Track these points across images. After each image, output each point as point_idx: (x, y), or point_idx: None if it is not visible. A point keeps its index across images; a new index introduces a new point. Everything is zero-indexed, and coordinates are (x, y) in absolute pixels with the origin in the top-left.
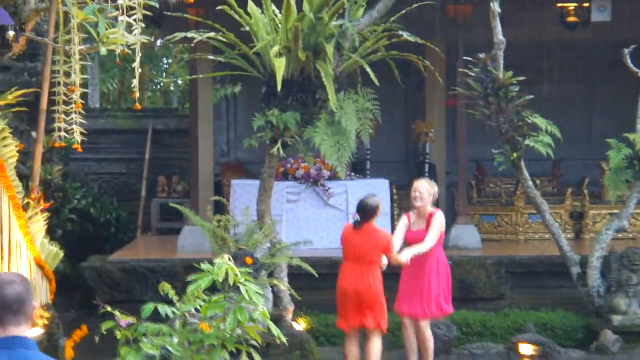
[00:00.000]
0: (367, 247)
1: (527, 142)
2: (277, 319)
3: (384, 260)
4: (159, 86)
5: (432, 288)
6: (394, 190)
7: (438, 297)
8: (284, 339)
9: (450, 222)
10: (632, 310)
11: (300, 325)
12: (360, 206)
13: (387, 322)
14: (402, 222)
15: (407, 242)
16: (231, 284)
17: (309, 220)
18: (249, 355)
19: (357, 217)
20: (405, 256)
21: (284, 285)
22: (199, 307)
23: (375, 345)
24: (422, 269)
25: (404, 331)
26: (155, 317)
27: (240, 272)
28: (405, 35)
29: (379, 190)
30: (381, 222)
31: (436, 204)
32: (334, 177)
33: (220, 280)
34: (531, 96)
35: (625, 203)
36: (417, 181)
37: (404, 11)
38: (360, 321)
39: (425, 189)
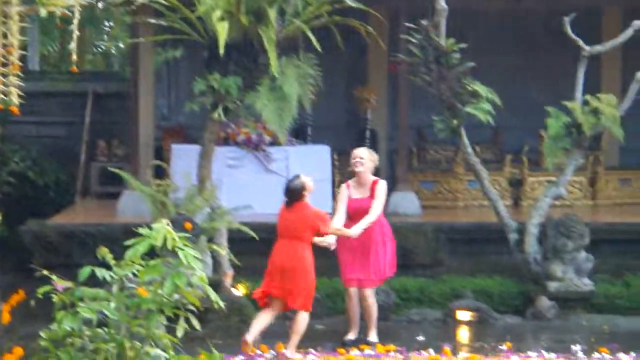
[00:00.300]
0: (297, 225)
1: (467, 109)
2: (216, 285)
3: (330, 239)
4: (100, 49)
5: (379, 255)
6: (335, 156)
7: (385, 263)
8: (222, 304)
9: (390, 188)
10: (568, 277)
11: (239, 290)
12: (285, 190)
13: (327, 288)
14: (343, 194)
15: (350, 211)
16: (170, 249)
17: (249, 186)
18: (187, 320)
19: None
20: (356, 230)
21: (223, 250)
22: (136, 272)
23: (300, 317)
24: (368, 236)
25: (349, 301)
26: (94, 281)
27: (179, 237)
28: (348, 1)
29: (320, 155)
30: (322, 188)
31: (377, 171)
32: (275, 142)
33: (159, 245)
34: (472, 64)
35: (563, 171)
36: (359, 149)
37: None
38: (283, 297)
39: (365, 154)
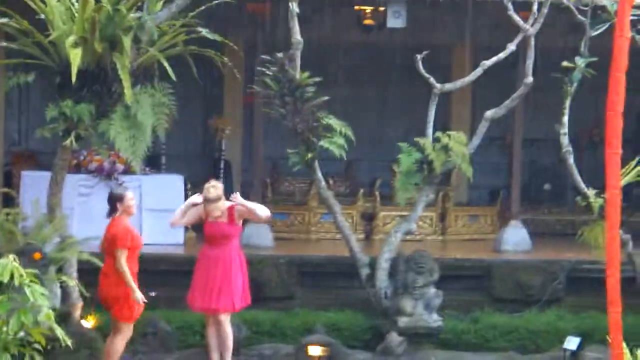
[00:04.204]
0: (107, 239)
1: (321, 143)
2: (66, 316)
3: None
4: None
5: (236, 280)
6: (189, 186)
7: (241, 289)
8: (68, 342)
9: (243, 221)
10: (418, 312)
11: (89, 322)
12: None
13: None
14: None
15: (207, 233)
16: (17, 284)
17: (101, 215)
18: (32, 358)
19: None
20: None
21: (72, 281)
22: None
23: (115, 338)
24: (225, 261)
25: (208, 328)
26: None
27: (26, 272)
28: (204, 32)
29: (173, 185)
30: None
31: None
32: (128, 171)
33: (5, 281)
34: (326, 97)
35: (414, 206)
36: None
37: (203, 7)
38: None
39: (218, 183)
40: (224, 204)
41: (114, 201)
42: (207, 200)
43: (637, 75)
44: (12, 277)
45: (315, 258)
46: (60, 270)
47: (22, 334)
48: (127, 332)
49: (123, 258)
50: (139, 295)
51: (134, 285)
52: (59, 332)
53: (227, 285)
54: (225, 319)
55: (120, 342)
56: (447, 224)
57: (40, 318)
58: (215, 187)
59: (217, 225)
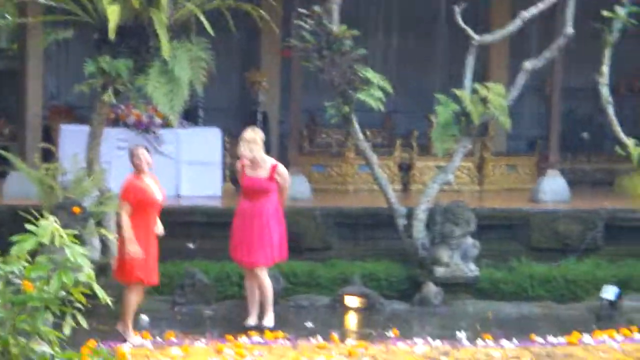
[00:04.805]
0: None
1: (358, 95)
2: (104, 268)
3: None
4: None
5: (272, 234)
6: (226, 139)
7: (278, 242)
8: (109, 301)
9: None
10: (454, 262)
11: None
12: None
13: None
14: (240, 171)
15: (244, 188)
16: (57, 245)
17: None
18: (74, 317)
19: None
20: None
21: (111, 234)
22: (22, 269)
23: (125, 294)
24: (261, 215)
25: (246, 280)
26: None
27: (67, 233)
28: None
29: (211, 138)
30: (212, 170)
31: (267, 151)
32: (165, 125)
33: (46, 242)
34: (364, 51)
35: (452, 158)
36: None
37: None
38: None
39: (250, 136)
40: (264, 158)
41: (130, 157)
42: (242, 140)
43: None
44: (52, 238)
45: (352, 209)
46: (99, 223)
47: (62, 293)
48: (135, 289)
49: (124, 212)
50: (134, 249)
51: (131, 236)
52: (100, 292)
53: (263, 239)
54: (261, 272)
55: (130, 298)
56: (485, 174)
57: (81, 278)
58: (254, 130)
59: (256, 180)
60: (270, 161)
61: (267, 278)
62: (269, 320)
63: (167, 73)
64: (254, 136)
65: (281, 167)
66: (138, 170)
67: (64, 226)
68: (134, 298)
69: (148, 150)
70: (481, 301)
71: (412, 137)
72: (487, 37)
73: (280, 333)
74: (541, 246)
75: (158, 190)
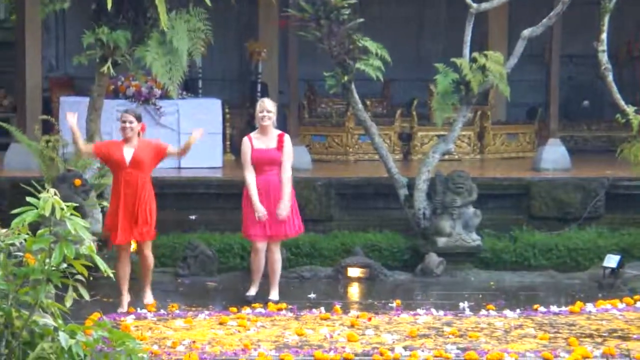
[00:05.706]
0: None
1: (357, 65)
2: (106, 240)
3: None
4: None
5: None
6: (227, 109)
7: (294, 218)
8: (110, 273)
9: None
10: (456, 232)
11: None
12: None
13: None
14: (246, 148)
15: (253, 161)
16: (58, 218)
17: None
18: (75, 289)
19: None
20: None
21: None
22: (23, 241)
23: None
24: (275, 189)
25: (255, 256)
26: None
27: (67, 205)
28: None
29: (211, 108)
30: (213, 141)
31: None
32: (165, 95)
33: (47, 214)
34: (362, 20)
35: (452, 127)
36: (265, 101)
37: None
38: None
39: (273, 108)
40: (274, 130)
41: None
42: (264, 110)
43: None
44: (53, 210)
45: (353, 179)
46: (100, 195)
47: (64, 265)
48: (118, 257)
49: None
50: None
51: None
52: (101, 264)
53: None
54: (278, 246)
55: (115, 266)
56: (486, 142)
57: (82, 251)
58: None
59: (265, 152)
60: (276, 131)
61: (279, 252)
62: (275, 294)
63: (166, 44)
64: (274, 106)
65: (287, 136)
66: (122, 134)
67: (65, 198)
68: (118, 265)
69: (138, 118)
70: (483, 271)
71: (412, 106)
72: (485, 5)
73: (283, 304)
74: (543, 215)
75: (129, 154)
